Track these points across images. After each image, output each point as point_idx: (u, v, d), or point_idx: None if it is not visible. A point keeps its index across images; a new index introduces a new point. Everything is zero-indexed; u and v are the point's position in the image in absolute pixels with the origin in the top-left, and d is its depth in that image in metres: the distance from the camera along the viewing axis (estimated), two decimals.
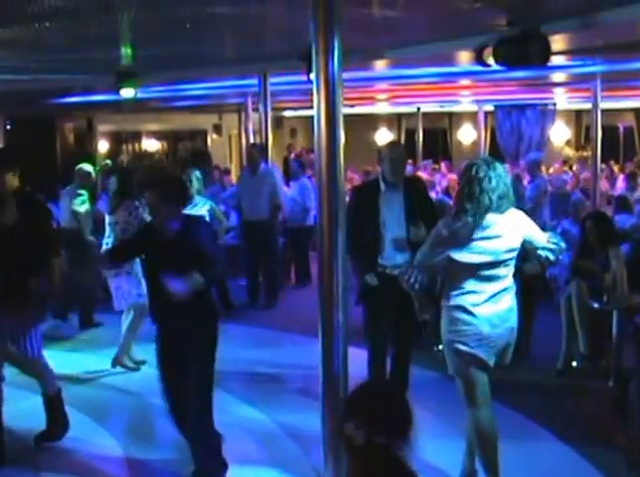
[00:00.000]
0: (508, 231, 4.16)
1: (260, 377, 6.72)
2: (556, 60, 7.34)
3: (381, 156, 5.41)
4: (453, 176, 13.27)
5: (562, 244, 4.34)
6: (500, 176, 4.09)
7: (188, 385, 4.40)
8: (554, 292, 8.19)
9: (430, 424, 4.94)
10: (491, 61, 6.34)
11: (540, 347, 6.96)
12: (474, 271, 4.17)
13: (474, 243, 4.13)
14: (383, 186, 5.37)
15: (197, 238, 4.34)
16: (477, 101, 16.65)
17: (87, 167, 8.69)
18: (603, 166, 13.69)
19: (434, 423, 5.15)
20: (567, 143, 20.98)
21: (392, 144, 6.10)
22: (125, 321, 6.82)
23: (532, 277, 6.51)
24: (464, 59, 8.00)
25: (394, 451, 2.54)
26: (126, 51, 7.79)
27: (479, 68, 6.94)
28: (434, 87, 13.57)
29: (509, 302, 4.27)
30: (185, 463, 4.59)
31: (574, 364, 6.60)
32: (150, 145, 20.26)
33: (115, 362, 6.81)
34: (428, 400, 5.42)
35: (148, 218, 6.70)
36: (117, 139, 19.62)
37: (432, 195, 8.41)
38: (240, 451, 4.92)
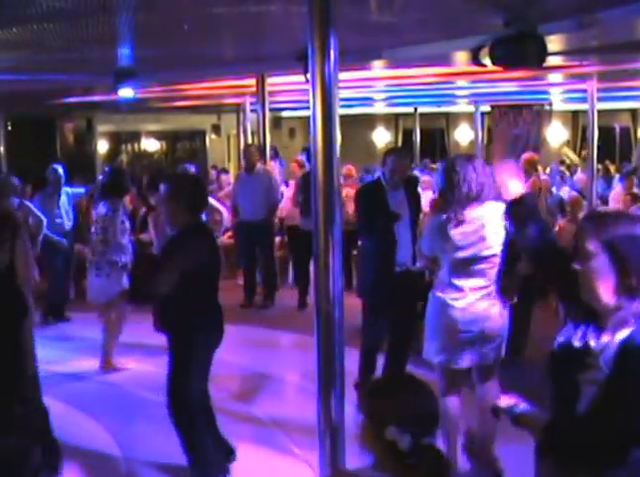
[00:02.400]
0: (489, 222, 4.23)
1: (256, 375, 6.75)
2: (552, 60, 7.36)
3: (385, 161, 5.68)
4: None
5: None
6: (477, 167, 4.22)
7: None
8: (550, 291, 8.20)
9: None
10: (487, 61, 6.35)
11: (537, 346, 6.96)
12: (455, 266, 4.27)
13: (455, 236, 4.24)
14: (387, 188, 5.62)
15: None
16: (474, 102, 16.66)
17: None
18: (599, 166, 13.73)
19: None
20: (567, 144, 20.99)
21: (396, 153, 5.94)
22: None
23: (527, 276, 6.52)
24: (461, 59, 8.01)
25: (439, 451, 2.37)
26: (125, 51, 7.81)
27: (476, 68, 6.97)
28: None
29: (490, 303, 4.31)
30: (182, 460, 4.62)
31: None
32: (149, 145, 20.28)
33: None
34: None
35: (127, 222, 6.74)
36: (117, 139, 19.65)
37: (430, 194, 8.49)
38: (236, 446, 4.95)
